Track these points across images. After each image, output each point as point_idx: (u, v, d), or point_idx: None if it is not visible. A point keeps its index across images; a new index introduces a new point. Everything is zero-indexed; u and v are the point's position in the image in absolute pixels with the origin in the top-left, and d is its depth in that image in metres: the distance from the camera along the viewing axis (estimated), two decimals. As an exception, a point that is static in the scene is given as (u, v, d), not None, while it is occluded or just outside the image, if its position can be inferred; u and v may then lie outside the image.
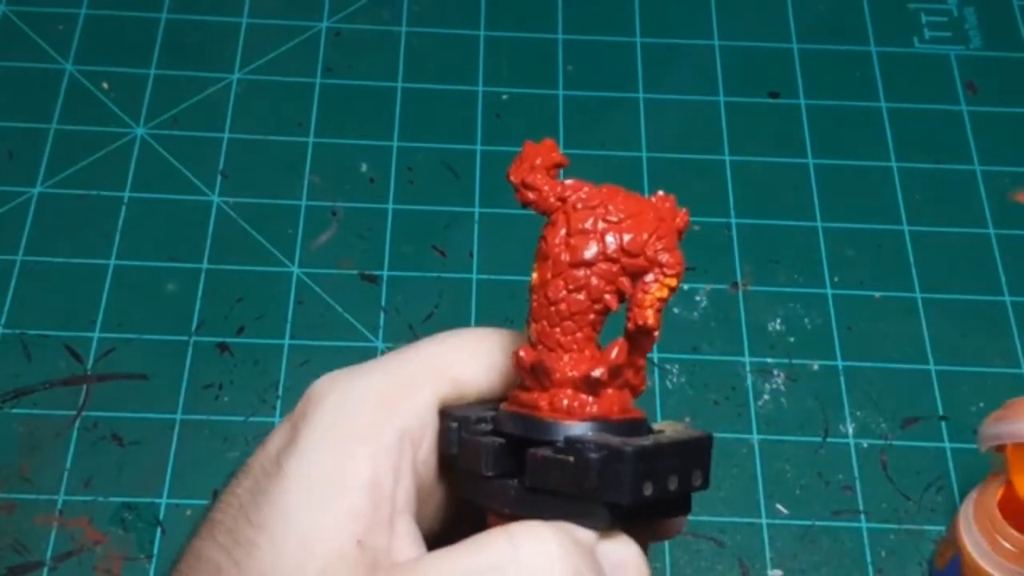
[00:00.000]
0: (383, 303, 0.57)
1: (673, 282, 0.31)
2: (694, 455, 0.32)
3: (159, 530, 0.51)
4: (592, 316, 0.31)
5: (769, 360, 0.57)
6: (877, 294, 0.59)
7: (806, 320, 0.58)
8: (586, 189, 0.31)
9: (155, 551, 0.50)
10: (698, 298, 0.58)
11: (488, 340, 0.33)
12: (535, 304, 0.32)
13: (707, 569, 0.51)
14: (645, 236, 0.31)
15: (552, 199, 0.32)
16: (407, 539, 0.29)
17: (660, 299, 0.30)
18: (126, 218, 0.59)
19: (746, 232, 0.61)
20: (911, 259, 0.60)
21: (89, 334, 0.55)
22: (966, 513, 0.46)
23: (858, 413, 0.55)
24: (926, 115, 0.66)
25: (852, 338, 0.57)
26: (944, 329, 0.58)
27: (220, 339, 0.56)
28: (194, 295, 0.57)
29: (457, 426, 0.33)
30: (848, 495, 0.53)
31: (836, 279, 0.59)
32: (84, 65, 0.64)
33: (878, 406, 0.55)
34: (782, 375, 0.56)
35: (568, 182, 0.32)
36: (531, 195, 0.32)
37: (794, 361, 0.57)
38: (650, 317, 0.30)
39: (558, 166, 0.32)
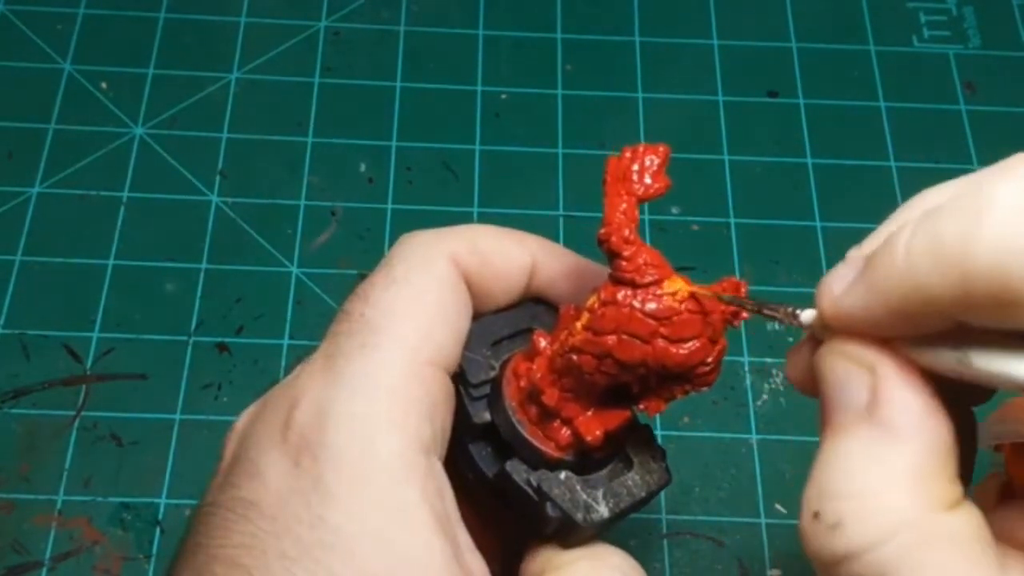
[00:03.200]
0: (382, 303, 0.57)
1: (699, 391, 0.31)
2: (650, 499, 0.34)
3: (158, 530, 0.51)
4: (611, 388, 0.32)
5: (768, 360, 0.57)
6: (876, 294, 0.59)
7: (805, 320, 0.58)
8: (663, 285, 0.30)
9: (154, 551, 0.50)
10: (697, 298, 0.58)
11: (443, 290, 0.33)
12: (567, 356, 0.31)
13: (706, 568, 0.51)
14: (696, 360, 0.30)
15: (629, 272, 0.31)
16: (470, 553, 0.30)
17: (678, 399, 0.31)
18: (125, 218, 0.59)
19: (746, 231, 0.61)
20: (910, 258, 0.60)
21: (88, 334, 0.55)
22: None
23: (857, 413, 0.55)
24: (925, 114, 0.66)
25: (851, 338, 0.57)
26: (943, 328, 0.58)
27: (219, 339, 0.56)
28: (193, 295, 0.57)
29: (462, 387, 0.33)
30: (847, 495, 0.53)
31: (835, 279, 0.59)
32: (83, 65, 0.64)
33: (877, 406, 0.55)
34: (781, 375, 0.56)
35: (649, 264, 0.30)
36: (626, 252, 0.31)
37: (793, 361, 0.57)
38: (663, 408, 0.31)
39: (657, 195, 0.31)
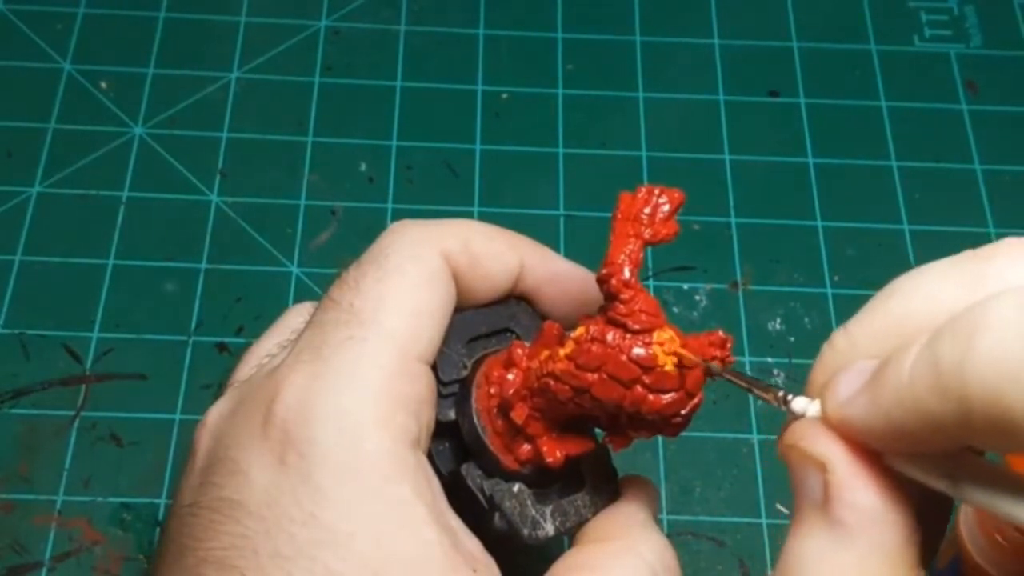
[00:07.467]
0: (382, 303, 0.57)
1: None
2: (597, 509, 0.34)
3: (158, 530, 0.51)
4: (581, 416, 0.32)
5: (769, 360, 0.57)
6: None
7: (806, 320, 0.58)
8: (653, 335, 0.30)
9: (154, 551, 0.50)
10: (697, 297, 0.58)
11: (433, 287, 0.32)
12: (544, 380, 0.31)
13: (707, 569, 0.51)
14: (670, 411, 0.31)
15: (623, 315, 0.31)
16: (466, 536, 0.30)
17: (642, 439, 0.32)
18: (125, 218, 0.59)
19: (746, 231, 0.61)
20: (911, 258, 0.60)
21: (88, 334, 0.55)
22: (966, 512, 0.46)
23: (858, 412, 0.55)
24: (926, 114, 0.65)
25: (852, 337, 0.57)
26: (944, 328, 0.58)
27: (219, 339, 0.56)
28: (193, 295, 0.57)
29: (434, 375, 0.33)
30: (848, 495, 0.53)
31: (836, 278, 0.59)
32: (82, 64, 0.64)
33: (878, 405, 0.55)
34: (782, 375, 0.56)
35: (644, 312, 0.30)
36: (624, 296, 0.31)
37: (794, 361, 0.57)
38: (626, 446, 0.32)
39: (664, 241, 0.32)
